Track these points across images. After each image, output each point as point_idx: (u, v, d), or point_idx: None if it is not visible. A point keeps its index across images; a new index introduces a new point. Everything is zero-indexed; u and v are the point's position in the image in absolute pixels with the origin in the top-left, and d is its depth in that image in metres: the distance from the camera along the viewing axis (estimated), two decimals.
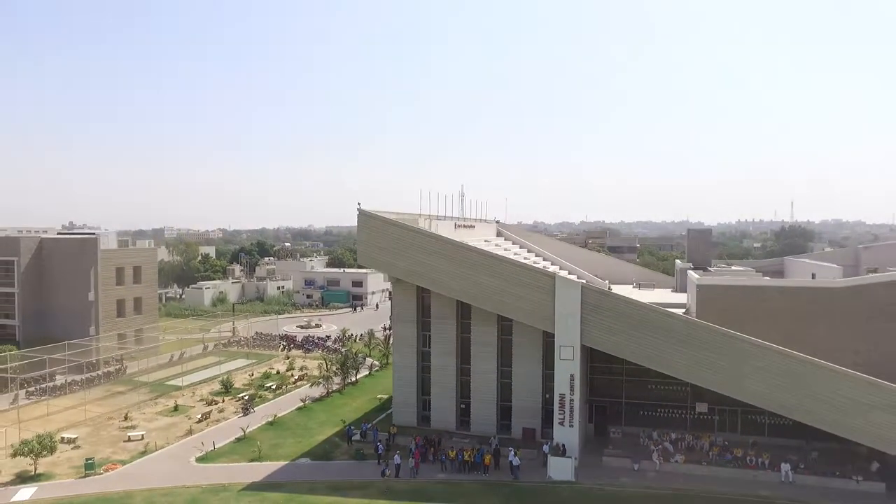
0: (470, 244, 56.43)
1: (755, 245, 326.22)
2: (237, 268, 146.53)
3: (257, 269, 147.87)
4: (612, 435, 46.78)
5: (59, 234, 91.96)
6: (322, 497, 37.13)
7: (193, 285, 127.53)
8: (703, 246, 71.01)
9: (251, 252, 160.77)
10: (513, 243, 77.42)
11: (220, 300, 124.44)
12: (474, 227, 70.80)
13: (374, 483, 39.38)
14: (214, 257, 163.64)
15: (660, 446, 43.26)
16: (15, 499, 37.38)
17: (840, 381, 38.28)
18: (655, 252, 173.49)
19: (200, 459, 43.84)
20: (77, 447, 46.43)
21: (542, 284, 42.66)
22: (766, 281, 49.77)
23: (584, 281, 68.90)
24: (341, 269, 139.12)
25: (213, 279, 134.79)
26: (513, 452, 41.15)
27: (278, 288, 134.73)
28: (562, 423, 42.49)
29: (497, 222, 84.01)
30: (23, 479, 40.65)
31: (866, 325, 43.04)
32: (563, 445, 41.50)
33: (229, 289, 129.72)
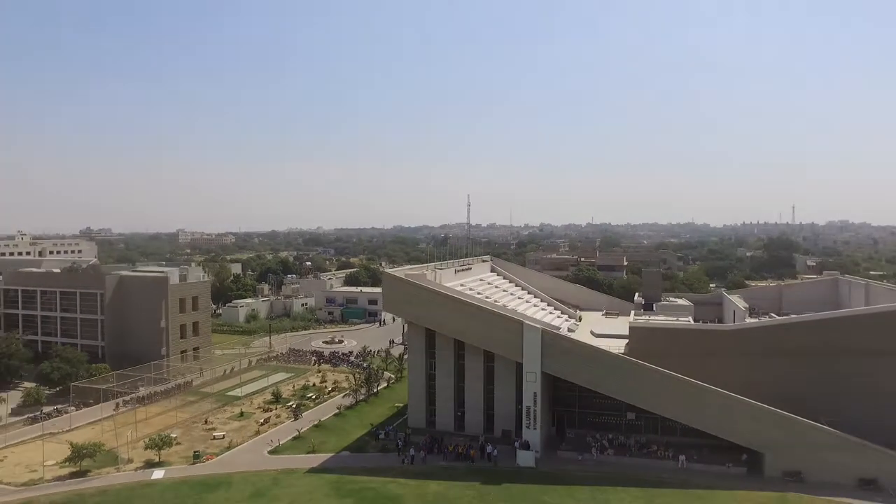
0: (467, 286, 74.31)
1: (747, 254, 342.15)
2: (266, 287, 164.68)
3: (283, 287, 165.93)
4: (568, 435, 63.95)
5: (135, 271, 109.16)
6: (361, 477, 54.52)
7: (229, 304, 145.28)
8: (655, 284, 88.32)
9: (276, 272, 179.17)
10: (504, 279, 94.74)
11: (253, 317, 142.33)
12: (471, 268, 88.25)
13: (395, 468, 56.78)
14: (241, 273, 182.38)
15: (599, 443, 60.46)
16: (153, 477, 55.05)
17: (721, 399, 55.40)
18: (643, 268, 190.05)
19: (271, 452, 61.41)
20: (179, 443, 63.86)
21: (512, 328, 60.11)
22: (678, 324, 66.86)
23: (557, 312, 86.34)
24: (358, 289, 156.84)
25: (245, 297, 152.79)
26: (491, 446, 58.66)
27: (302, 305, 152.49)
28: (528, 427, 59.83)
29: (491, 259, 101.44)
30: (150, 465, 58.22)
31: (745, 359, 59.76)
32: (528, 442, 58.82)
33: (260, 306, 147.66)
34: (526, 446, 58.51)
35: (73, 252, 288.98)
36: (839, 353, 56.10)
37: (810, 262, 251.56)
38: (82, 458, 56.70)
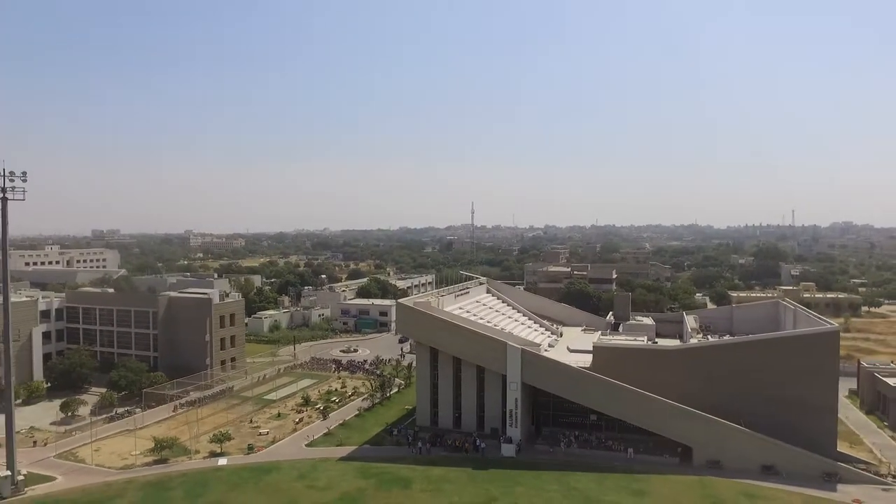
0: (465, 309, 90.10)
1: (739, 261, 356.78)
2: (286, 299, 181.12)
3: (302, 299, 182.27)
4: (544, 432, 79.74)
5: (181, 292, 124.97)
6: (380, 464, 70.29)
7: (254, 315, 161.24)
8: (624, 306, 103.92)
9: (295, 284, 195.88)
10: (497, 299, 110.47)
11: (276, 327, 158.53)
12: (468, 291, 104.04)
13: (406, 457, 72.51)
14: (260, 286, 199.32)
15: (567, 439, 76.22)
16: (219, 464, 71.06)
17: (660, 405, 70.98)
18: (632, 280, 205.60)
19: (308, 445, 77.40)
20: (232, 438, 79.78)
21: (498, 348, 76.00)
22: (632, 344, 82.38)
23: (541, 329, 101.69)
24: (370, 301, 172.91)
25: (268, 309, 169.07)
26: (481, 441, 74.70)
27: (319, 315, 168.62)
28: (511, 425, 75.70)
29: (486, 281, 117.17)
30: (214, 454, 74.21)
31: (686, 373, 75.12)
32: (511, 437, 74.69)
33: (281, 317, 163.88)
34: (509, 441, 74.39)
35: (97, 261, 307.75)
36: (749, 369, 71.61)
37: (794, 272, 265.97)
38: (162, 449, 72.85)
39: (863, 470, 66.57)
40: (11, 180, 63.75)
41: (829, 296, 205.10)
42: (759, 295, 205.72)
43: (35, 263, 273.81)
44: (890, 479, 64.99)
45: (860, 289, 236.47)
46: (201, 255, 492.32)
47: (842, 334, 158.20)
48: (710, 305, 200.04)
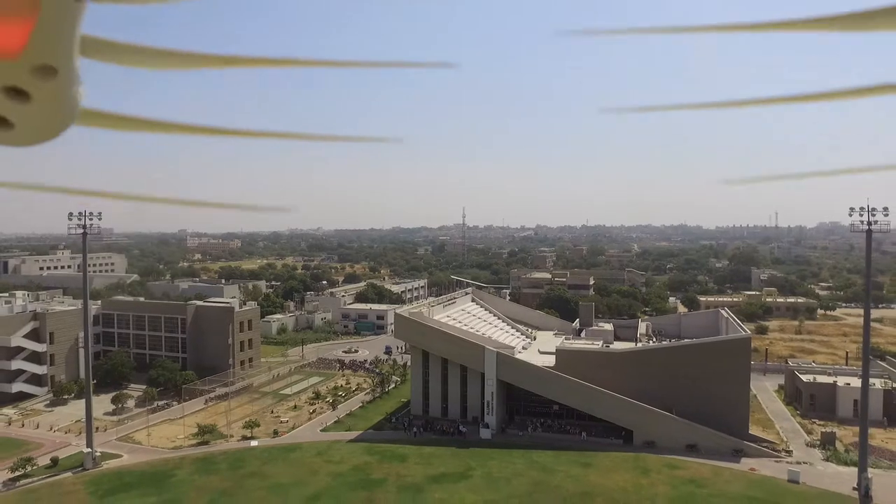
0: (451, 317, 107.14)
1: (717, 265, 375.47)
2: (291, 304, 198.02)
3: (305, 304, 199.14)
4: (516, 419, 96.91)
5: (206, 301, 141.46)
6: (382, 444, 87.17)
7: (263, 319, 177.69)
8: (588, 314, 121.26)
9: (299, 290, 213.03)
10: (481, 308, 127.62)
11: (283, 330, 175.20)
12: (455, 301, 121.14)
13: (403, 439, 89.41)
14: (266, 292, 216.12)
15: (533, 424, 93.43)
16: (252, 445, 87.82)
17: (607, 397, 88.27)
18: (609, 286, 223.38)
19: (322, 430, 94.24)
20: (259, 425, 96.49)
21: (477, 351, 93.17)
22: (588, 347, 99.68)
23: (518, 334, 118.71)
24: (368, 306, 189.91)
25: (275, 313, 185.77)
26: (463, 426, 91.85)
27: (322, 319, 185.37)
28: (488, 414, 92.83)
29: (473, 290, 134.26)
30: (246, 438, 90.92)
31: (631, 371, 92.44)
32: (488, 423, 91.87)
33: (288, 321, 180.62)
34: (486, 426, 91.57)
35: (106, 265, 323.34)
36: (680, 368, 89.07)
37: (763, 277, 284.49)
38: (204, 433, 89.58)
39: (765, 447, 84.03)
40: (90, 219, 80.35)
41: (789, 300, 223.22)
42: (726, 299, 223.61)
43: (49, 268, 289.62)
44: (783, 454, 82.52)
45: (824, 292, 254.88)
46: (199, 256, 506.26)
47: (793, 336, 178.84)
48: (682, 309, 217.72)
